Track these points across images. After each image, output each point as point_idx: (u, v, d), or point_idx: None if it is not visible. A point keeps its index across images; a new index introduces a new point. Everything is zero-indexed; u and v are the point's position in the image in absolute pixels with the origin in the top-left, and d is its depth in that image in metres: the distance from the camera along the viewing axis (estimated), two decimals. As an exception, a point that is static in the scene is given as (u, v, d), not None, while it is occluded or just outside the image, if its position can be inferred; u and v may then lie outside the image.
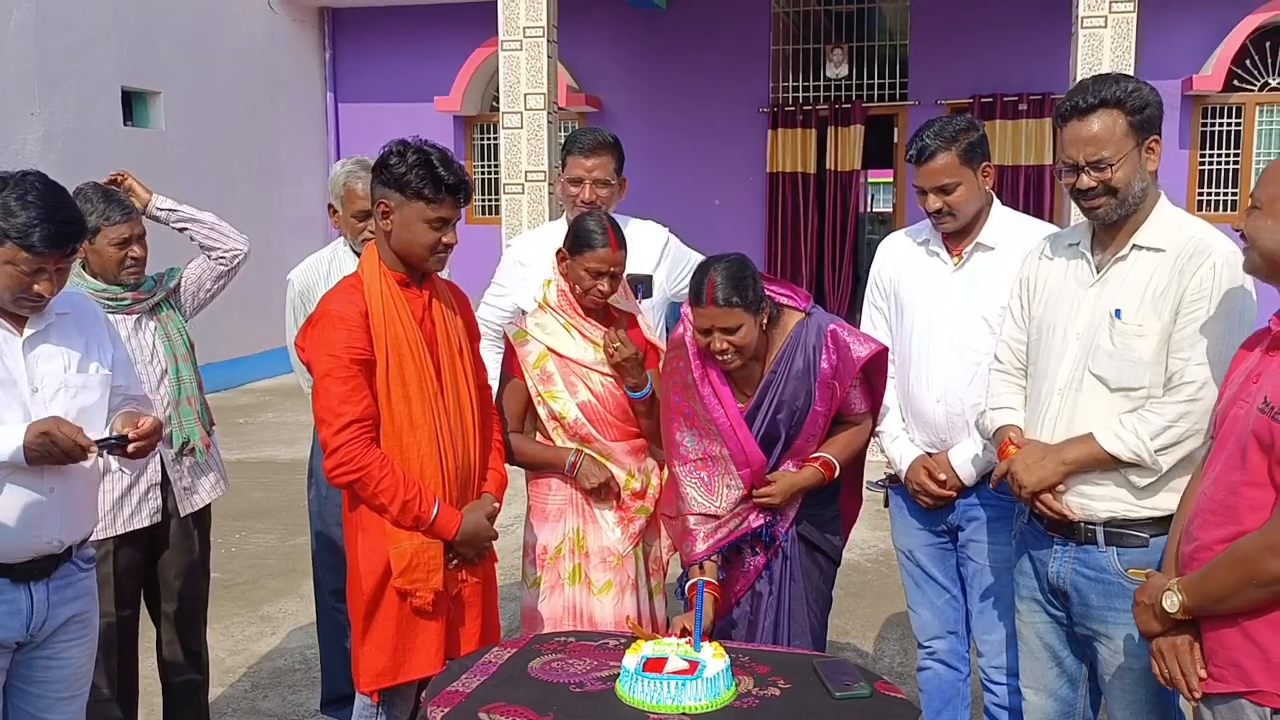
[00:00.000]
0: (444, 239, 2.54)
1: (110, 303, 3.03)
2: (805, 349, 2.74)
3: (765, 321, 2.70)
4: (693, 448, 2.77)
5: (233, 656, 4.36)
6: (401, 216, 2.51)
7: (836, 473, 2.76)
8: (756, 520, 2.76)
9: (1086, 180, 2.38)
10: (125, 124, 9.12)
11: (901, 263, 2.99)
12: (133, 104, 9.32)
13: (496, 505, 2.71)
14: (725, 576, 2.79)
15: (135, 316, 3.12)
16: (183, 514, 3.18)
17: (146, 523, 3.11)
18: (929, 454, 2.91)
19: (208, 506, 3.31)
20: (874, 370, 2.83)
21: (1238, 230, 2.07)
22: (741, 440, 2.72)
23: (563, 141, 3.51)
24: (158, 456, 3.09)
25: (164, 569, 3.25)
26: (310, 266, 3.59)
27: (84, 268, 3.07)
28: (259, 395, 10.02)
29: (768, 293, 2.73)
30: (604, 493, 2.91)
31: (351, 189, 3.43)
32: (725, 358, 2.66)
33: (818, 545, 2.83)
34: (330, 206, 3.54)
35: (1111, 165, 2.35)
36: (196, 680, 3.40)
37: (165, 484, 3.15)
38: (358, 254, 3.47)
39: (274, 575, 5.35)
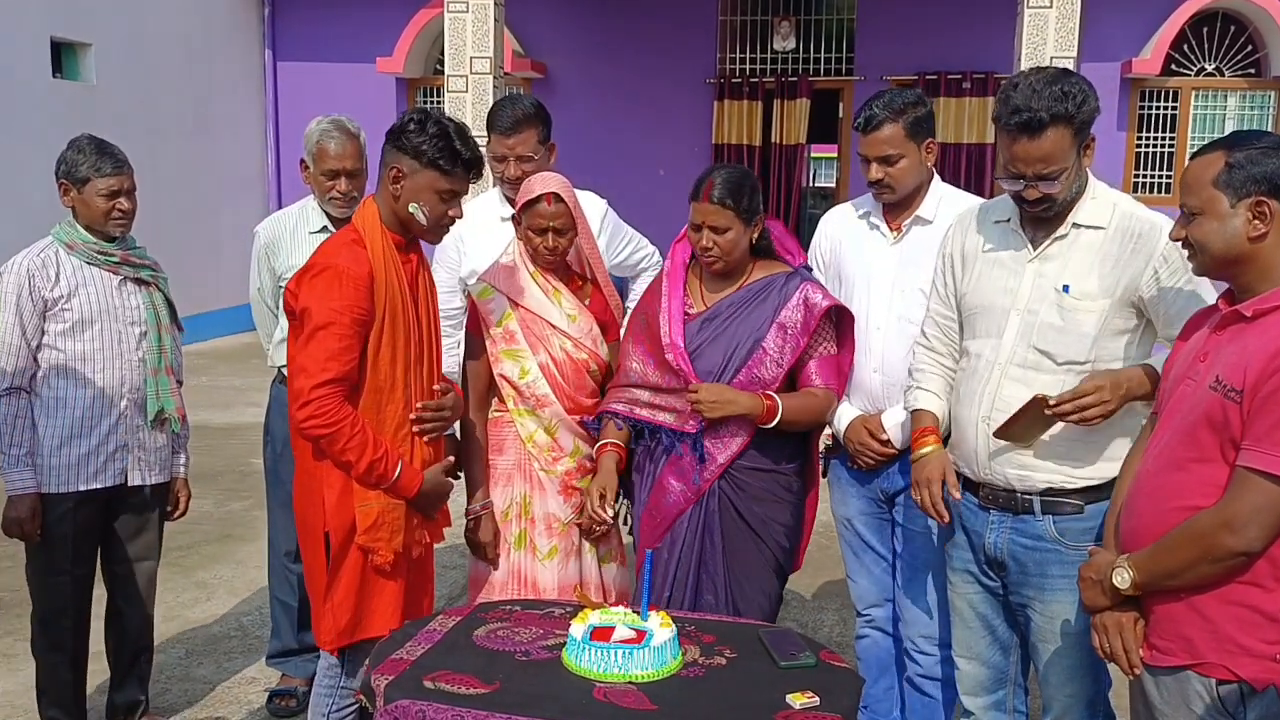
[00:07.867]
0: (450, 211, 2.59)
1: (98, 256, 3.09)
2: (776, 290, 2.78)
3: (755, 236, 2.79)
4: (637, 370, 2.84)
5: (166, 623, 4.28)
6: (413, 183, 2.55)
7: (778, 415, 2.69)
8: (684, 424, 2.75)
9: (1034, 193, 2.37)
10: (54, 76, 8.81)
11: (841, 235, 3.03)
12: (62, 56, 9.01)
13: (451, 459, 2.77)
14: (648, 499, 2.81)
15: (120, 277, 3.13)
16: (131, 483, 3.16)
17: (110, 483, 3.11)
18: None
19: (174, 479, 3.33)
20: (843, 343, 2.85)
21: (1178, 240, 2.08)
22: (672, 321, 2.77)
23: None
24: (128, 419, 3.10)
25: (120, 532, 3.25)
26: (278, 220, 3.58)
27: (75, 218, 3.10)
28: (193, 359, 9.70)
29: (774, 240, 2.85)
30: (486, 550, 2.93)
31: (324, 148, 3.39)
32: (710, 255, 2.75)
33: (749, 523, 2.77)
34: (302, 161, 3.52)
35: (1057, 178, 2.35)
36: (144, 644, 3.41)
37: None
38: (326, 212, 3.47)
39: (209, 541, 5.27)
